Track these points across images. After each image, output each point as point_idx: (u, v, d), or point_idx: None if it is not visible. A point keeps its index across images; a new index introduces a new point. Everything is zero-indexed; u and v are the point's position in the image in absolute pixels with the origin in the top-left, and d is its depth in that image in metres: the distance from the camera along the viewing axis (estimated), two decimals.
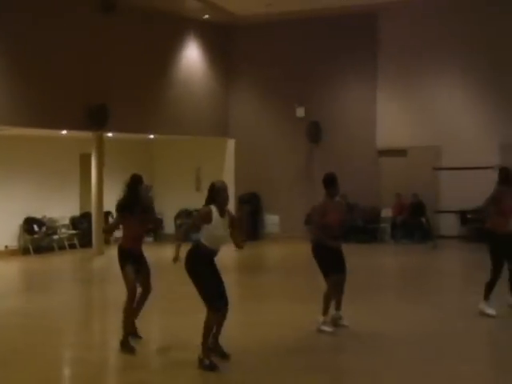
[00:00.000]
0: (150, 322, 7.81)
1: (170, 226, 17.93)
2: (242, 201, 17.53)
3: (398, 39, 17.39)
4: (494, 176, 15.21)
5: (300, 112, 18.25)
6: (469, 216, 16.28)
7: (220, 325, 6.01)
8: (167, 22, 17.27)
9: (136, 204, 6.84)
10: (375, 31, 17.60)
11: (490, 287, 8.11)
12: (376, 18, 17.43)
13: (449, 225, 16.93)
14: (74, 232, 17.17)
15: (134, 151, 19.51)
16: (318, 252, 7.50)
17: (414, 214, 16.92)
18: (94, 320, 9.63)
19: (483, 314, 8.02)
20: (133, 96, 16.28)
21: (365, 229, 16.95)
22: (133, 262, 6.86)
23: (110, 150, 16.59)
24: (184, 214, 17.87)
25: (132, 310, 6.82)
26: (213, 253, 5.98)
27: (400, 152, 17.33)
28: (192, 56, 18.51)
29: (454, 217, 16.74)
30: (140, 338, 6.97)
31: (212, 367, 5.71)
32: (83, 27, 15.15)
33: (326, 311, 7.50)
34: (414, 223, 16.91)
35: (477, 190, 15.37)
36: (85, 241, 16.57)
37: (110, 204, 15.52)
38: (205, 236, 5.91)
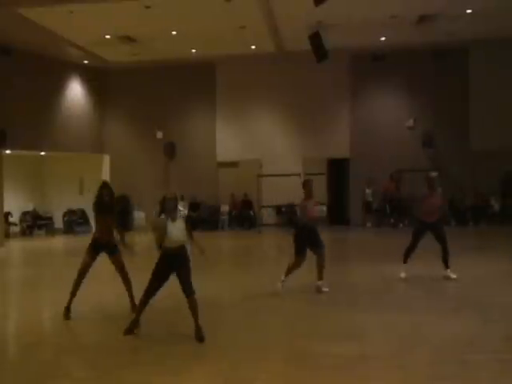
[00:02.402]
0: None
1: (59, 222, 20.65)
2: (116, 201, 20.09)
3: (231, 82, 20.93)
4: (298, 181, 19.95)
5: (159, 135, 21.10)
6: (283, 209, 20.36)
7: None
8: (55, 63, 19.39)
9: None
10: (214, 75, 21.09)
11: (408, 253, 9.57)
12: (215, 66, 20.96)
13: (268, 216, 20.67)
14: None
15: (30, 165, 21.19)
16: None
17: (244, 208, 20.48)
18: None
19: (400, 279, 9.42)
20: (28, 121, 18.14)
21: (209, 220, 20.31)
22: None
23: (9, 164, 18.50)
24: (69, 213, 20.59)
25: None
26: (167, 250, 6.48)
27: (233, 164, 20.70)
28: (75, 91, 20.73)
29: (271, 210, 20.61)
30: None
31: None
32: None
33: (321, 276, 8.64)
34: (244, 215, 20.41)
35: (288, 190, 20.07)
36: None
37: (8, 207, 18.73)
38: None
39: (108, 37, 17.50)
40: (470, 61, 19.96)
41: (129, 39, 17.74)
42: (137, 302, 7.10)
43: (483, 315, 7.15)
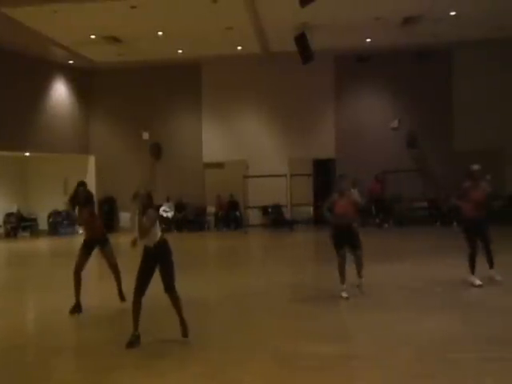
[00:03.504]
0: None
1: (43, 223, 20.62)
2: (102, 202, 19.97)
3: (217, 82, 20.91)
4: (284, 181, 20.19)
5: (145, 135, 21.05)
6: (269, 210, 20.55)
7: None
8: (40, 63, 19.37)
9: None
10: (200, 76, 21.07)
11: (472, 261, 8.66)
12: (200, 67, 20.90)
13: (254, 216, 20.71)
14: None
15: (14, 165, 21.01)
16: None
17: (230, 209, 20.50)
18: None
19: (472, 285, 8.62)
20: (12, 122, 18.12)
21: (195, 221, 20.32)
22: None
23: None
24: (54, 214, 20.47)
25: None
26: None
27: (219, 165, 20.77)
28: (60, 91, 20.64)
29: (258, 211, 20.67)
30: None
31: None
32: None
33: (343, 280, 8.40)
34: (230, 216, 20.41)
35: (274, 191, 20.39)
36: None
37: None
38: None
39: (93, 37, 17.41)
40: (453, 62, 20.17)
41: (114, 39, 17.67)
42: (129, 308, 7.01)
43: (468, 315, 7.22)
